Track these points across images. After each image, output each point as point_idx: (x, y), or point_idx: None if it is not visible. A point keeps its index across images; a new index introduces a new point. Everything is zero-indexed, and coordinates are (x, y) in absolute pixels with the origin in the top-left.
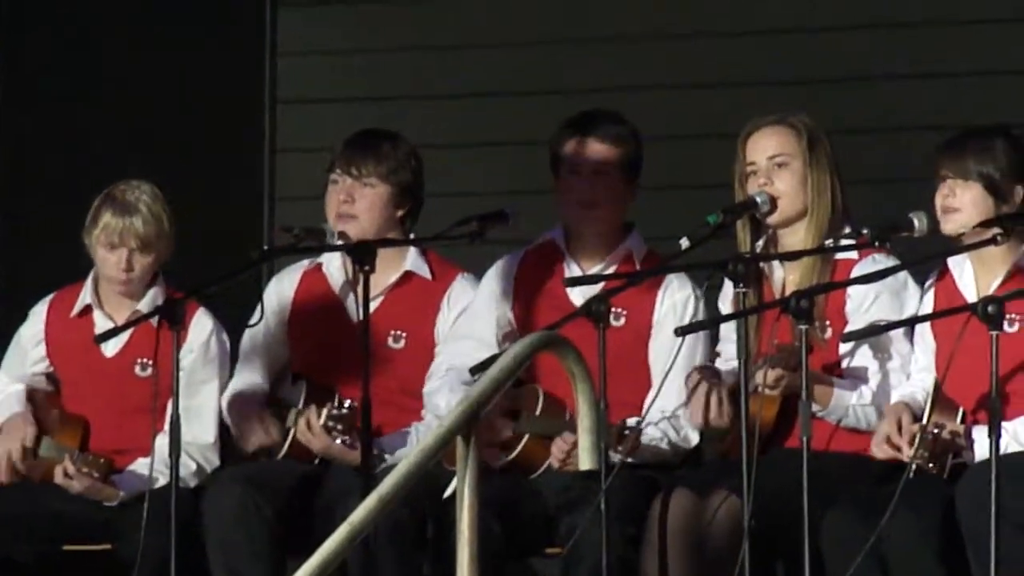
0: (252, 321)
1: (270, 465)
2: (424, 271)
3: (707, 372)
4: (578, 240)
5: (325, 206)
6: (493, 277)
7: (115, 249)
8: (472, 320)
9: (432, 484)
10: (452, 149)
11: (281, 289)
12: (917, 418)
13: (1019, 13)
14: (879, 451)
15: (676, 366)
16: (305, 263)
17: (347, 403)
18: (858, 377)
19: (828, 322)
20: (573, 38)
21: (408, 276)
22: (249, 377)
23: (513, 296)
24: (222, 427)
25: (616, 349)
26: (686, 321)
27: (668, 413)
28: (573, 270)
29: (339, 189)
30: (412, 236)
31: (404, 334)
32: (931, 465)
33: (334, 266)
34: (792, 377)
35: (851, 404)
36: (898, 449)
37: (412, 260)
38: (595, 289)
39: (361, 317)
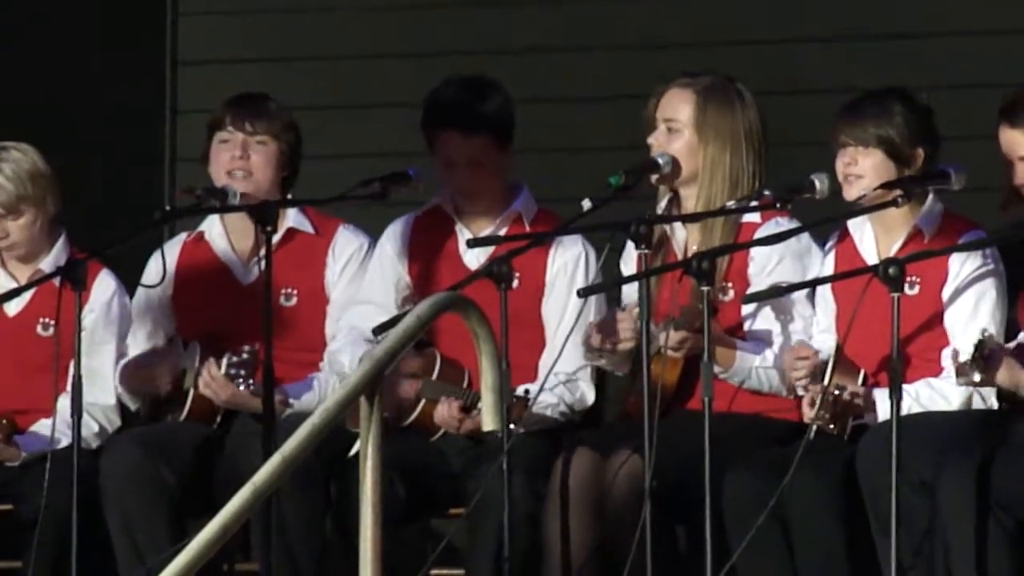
0: (153, 282)
1: (169, 428)
2: (307, 226)
3: (605, 327)
4: (466, 206)
5: (210, 166)
6: (387, 241)
7: None
8: (370, 284)
9: (335, 444)
10: (347, 110)
11: (170, 256)
12: (821, 370)
13: None
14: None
15: (576, 321)
16: (184, 235)
17: (246, 348)
18: (761, 339)
19: (730, 284)
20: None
21: (291, 233)
22: (138, 346)
23: (408, 259)
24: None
25: (511, 311)
26: (578, 279)
27: (564, 376)
28: (464, 234)
29: (231, 146)
30: (290, 197)
31: (295, 291)
32: (832, 426)
33: (215, 232)
34: (696, 339)
35: (754, 366)
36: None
37: (293, 217)
38: (487, 253)
39: (253, 278)
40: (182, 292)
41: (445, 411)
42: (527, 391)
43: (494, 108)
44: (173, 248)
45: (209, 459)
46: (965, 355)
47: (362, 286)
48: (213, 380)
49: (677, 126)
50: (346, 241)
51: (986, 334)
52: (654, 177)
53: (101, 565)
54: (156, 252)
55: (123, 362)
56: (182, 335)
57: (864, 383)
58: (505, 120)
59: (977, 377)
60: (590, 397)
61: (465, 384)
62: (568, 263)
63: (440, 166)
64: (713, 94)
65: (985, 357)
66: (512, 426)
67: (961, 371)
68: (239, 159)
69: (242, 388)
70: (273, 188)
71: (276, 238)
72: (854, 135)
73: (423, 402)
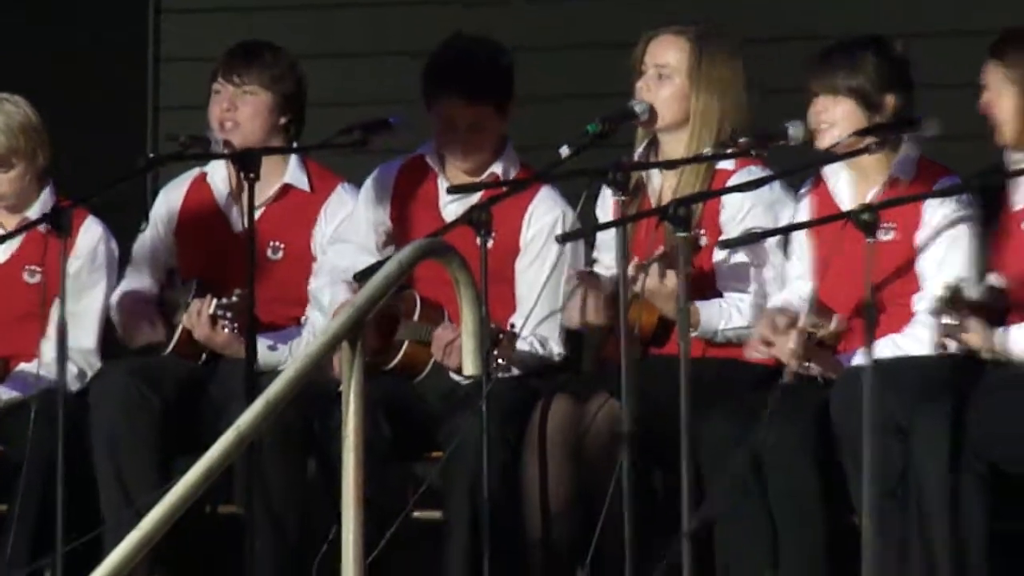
0: (142, 227)
1: (157, 360)
2: (303, 183)
3: (587, 276)
4: (454, 160)
5: (210, 115)
6: (370, 186)
7: None
8: (352, 225)
9: (318, 388)
10: (338, 58)
11: (169, 199)
12: (794, 322)
13: None
14: (753, 352)
15: (548, 283)
16: (195, 171)
17: (236, 292)
18: (734, 286)
19: (704, 231)
20: None
21: (286, 189)
22: (138, 279)
23: (390, 204)
24: (108, 327)
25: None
26: (552, 251)
27: (534, 330)
28: (445, 185)
29: (221, 98)
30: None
31: (282, 245)
32: (807, 366)
33: (218, 176)
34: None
35: (719, 329)
36: (771, 345)
37: (292, 172)
38: (467, 204)
39: (244, 226)
40: (182, 230)
41: (441, 338)
42: (512, 325)
43: (499, 75)
44: (181, 184)
45: (192, 393)
46: (936, 301)
47: (345, 225)
48: (198, 317)
49: (668, 72)
50: (340, 202)
51: (960, 277)
52: (641, 121)
53: (86, 507)
54: (163, 190)
55: (117, 294)
56: (181, 271)
57: (838, 328)
58: (508, 87)
59: (950, 320)
60: (557, 352)
61: (445, 322)
62: (545, 228)
63: (440, 126)
64: (707, 42)
65: (958, 303)
66: (501, 361)
67: (936, 314)
68: (227, 111)
69: (225, 331)
70: (266, 137)
71: (272, 191)
72: (824, 84)
73: (405, 344)
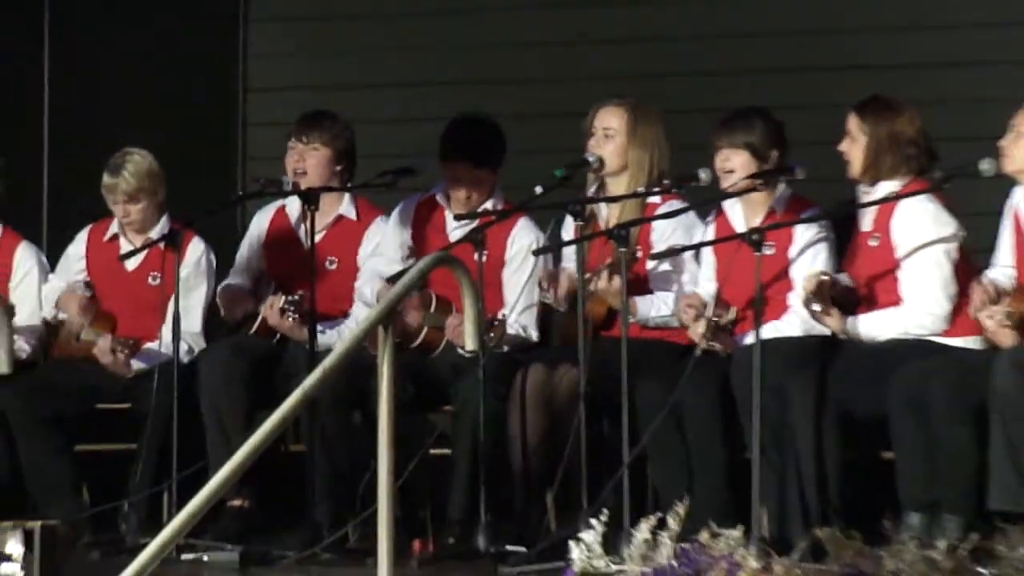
0: (250, 237)
1: (244, 339)
2: (352, 214)
3: (550, 276)
4: (456, 201)
5: (285, 165)
6: (396, 215)
7: (115, 204)
8: (385, 242)
9: (362, 359)
10: (378, 123)
11: (260, 222)
12: (703, 307)
13: None
14: (682, 315)
15: (526, 285)
16: (278, 203)
17: (299, 293)
18: (661, 286)
19: (639, 247)
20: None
21: (340, 218)
22: (237, 278)
23: (412, 228)
24: (212, 314)
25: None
26: (529, 262)
27: (517, 319)
28: (450, 216)
29: (294, 153)
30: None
31: (336, 260)
32: (712, 344)
33: (293, 208)
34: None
35: (650, 316)
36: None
37: (345, 206)
38: (467, 229)
39: (309, 245)
40: (267, 245)
41: (453, 323)
42: (504, 315)
43: (495, 145)
44: (268, 210)
45: (270, 364)
46: (806, 293)
47: (381, 243)
48: (271, 308)
49: (612, 132)
50: (377, 229)
51: (823, 277)
52: (592, 168)
53: (193, 447)
54: (257, 214)
55: (222, 285)
56: (268, 274)
57: (734, 316)
58: (501, 153)
59: (816, 307)
60: (534, 336)
61: (454, 313)
62: (523, 249)
63: (449, 181)
64: (640, 111)
65: (822, 294)
66: (492, 345)
67: (806, 302)
68: (297, 162)
69: (289, 320)
70: (329, 179)
71: (329, 219)
72: (727, 140)
73: (425, 330)
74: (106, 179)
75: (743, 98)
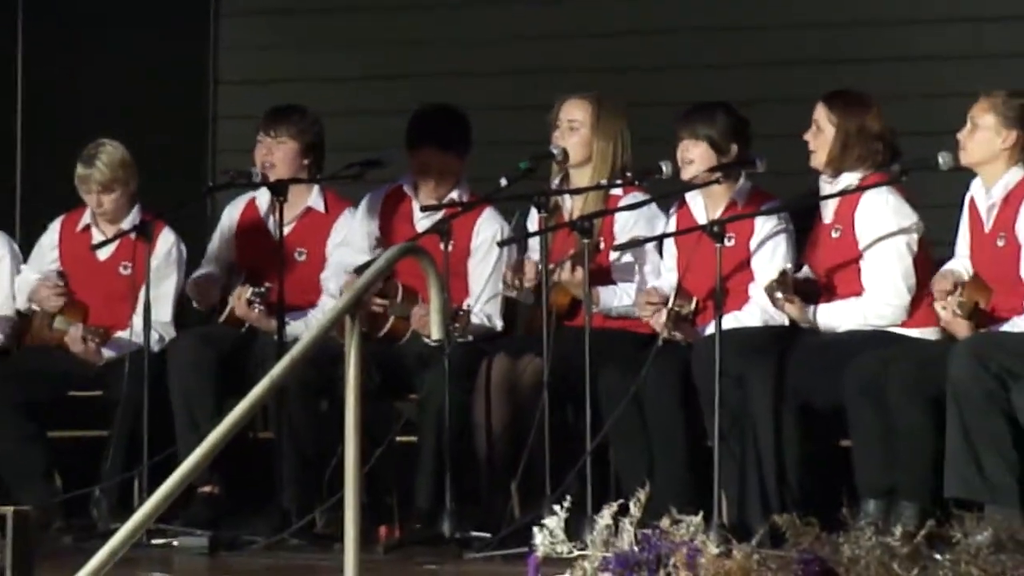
0: (222, 228)
1: (214, 329)
2: (320, 206)
3: (515, 268)
4: (423, 190)
5: (255, 157)
6: (364, 205)
7: (88, 193)
8: (352, 232)
9: (329, 348)
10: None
11: (231, 214)
12: (664, 300)
13: None
14: (641, 311)
15: (491, 275)
16: (249, 195)
17: (266, 285)
18: (623, 277)
19: (602, 238)
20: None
21: (308, 210)
22: (208, 267)
23: (379, 218)
24: (182, 304)
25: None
26: (494, 252)
27: (481, 309)
28: (416, 207)
29: (263, 146)
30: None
31: (305, 251)
32: (674, 333)
33: (263, 200)
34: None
35: (612, 306)
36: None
37: (313, 198)
38: (433, 219)
39: (278, 236)
40: (238, 236)
41: (419, 313)
42: (469, 305)
43: (461, 132)
44: (239, 202)
45: (239, 353)
46: (770, 281)
47: (348, 233)
48: (239, 299)
49: (576, 125)
50: (345, 221)
51: (786, 268)
52: (557, 160)
53: (163, 433)
54: (228, 205)
55: (195, 275)
56: (238, 265)
57: (696, 307)
58: (467, 141)
59: (779, 295)
60: (499, 325)
61: (419, 303)
62: (487, 239)
63: (416, 169)
64: (604, 103)
65: (785, 284)
66: (457, 335)
67: (769, 291)
68: (266, 155)
69: (256, 311)
70: (297, 172)
71: (298, 211)
72: (688, 132)
73: (391, 319)
74: (80, 170)
75: (704, 92)
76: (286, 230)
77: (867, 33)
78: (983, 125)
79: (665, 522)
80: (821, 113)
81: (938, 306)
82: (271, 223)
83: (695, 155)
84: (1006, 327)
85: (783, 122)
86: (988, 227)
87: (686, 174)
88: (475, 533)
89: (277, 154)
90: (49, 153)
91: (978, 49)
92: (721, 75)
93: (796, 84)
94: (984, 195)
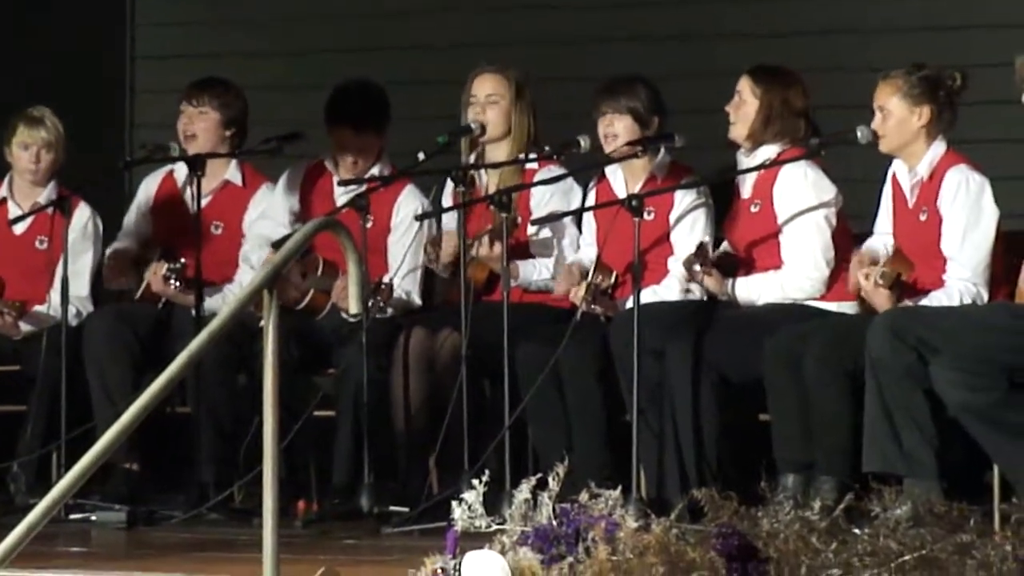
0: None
1: (130, 305)
2: (238, 180)
3: (434, 241)
4: (343, 165)
5: (177, 128)
6: (285, 179)
7: (28, 148)
8: (273, 207)
9: (246, 323)
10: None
11: (148, 187)
12: (584, 275)
13: None
14: (560, 290)
15: (410, 251)
16: (167, 168)
17: (181, 260)
18: (541, 251)
19: (519, 213)
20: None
21: (226, 183)
22: (124, 242)
23: (299, 193)
24: (99, 279)
25: (367, 238)
26: (413, 228)
27: (400, 284)
28: (336, 182)
29: (184, 117)
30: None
31: (222, 224)
32: (593, 307)
33: (180, 173)
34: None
35: (532, 280)
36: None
37: (231, 172)
38: (352, 195)
39: (195, 210)
40: (154, 210)
41: (339, 287)
42: (391, 277)
43: (378, 109)
44: (157, 176)
45: (156, 328)
46: (688, 255)
47: (268, 207)
48: (154, 275)
49: (495, 98)
50: (263, 196)
51: (704, 241)
52: (475, 135)
53: (81, 409)
54: (145, 179)
55: (109, 249)
56: (154, 239)
57: (615, 280)
58: (384, 117)
59: (698, 268)
60: (417, 302)
61: (339, 277)
62: (407, 215)
63: (335, 146)
64: (517, 77)
65: (704, 257)
66: (375, 311)
67: (688, 264)
68: (187, 125)
69: (171, 286)
70: (217, 144)
71: (215, 185)
72: (611, 105)
73: (311, 292)
74: (24, 130)
75: (617, 66)
76: (203, 203)
77: (787, 6)
78: (892, 109)
79: (584, 496)
80: (745, 85)
81: (860, 275)
82: (188, 196)
83: (619, 128)
84: (924, 301)
85: (699, 96)
86: (912, 202)
87: (609, 147)
88: (393, 508)
89: (199, 124)
90: None
91: (903, 22)
92: (633, 49)
93: (712, 57)
94: (907, 173)
